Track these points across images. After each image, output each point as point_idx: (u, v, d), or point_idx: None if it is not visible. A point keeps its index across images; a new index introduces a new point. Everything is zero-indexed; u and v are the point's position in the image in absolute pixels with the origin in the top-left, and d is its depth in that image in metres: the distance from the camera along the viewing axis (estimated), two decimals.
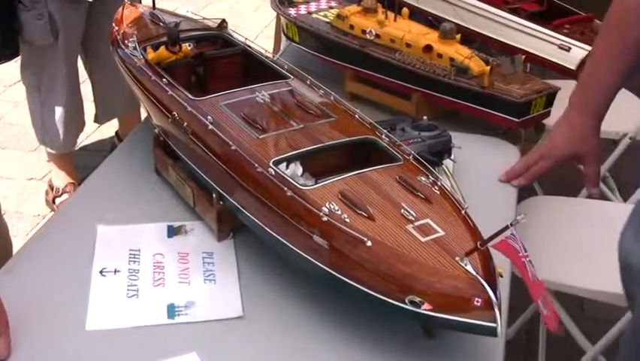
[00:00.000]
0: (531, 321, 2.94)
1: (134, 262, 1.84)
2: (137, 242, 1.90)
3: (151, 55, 2.15)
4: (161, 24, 2.35)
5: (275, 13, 2.98)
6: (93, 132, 4.60)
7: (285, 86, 2.03)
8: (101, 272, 1.80)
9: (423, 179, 1.69)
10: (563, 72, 2.64)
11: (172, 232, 1.94)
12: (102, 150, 4.40)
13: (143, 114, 2.97)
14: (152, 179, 2.14)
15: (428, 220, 1.56)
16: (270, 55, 2.25)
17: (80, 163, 4.09)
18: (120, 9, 2.43)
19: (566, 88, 2.30)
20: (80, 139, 4.21)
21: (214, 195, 1.86)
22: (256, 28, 5.85)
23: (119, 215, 2.00)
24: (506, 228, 1.40)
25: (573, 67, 2.58)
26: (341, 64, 2.63)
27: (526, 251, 1.42)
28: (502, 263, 1.51)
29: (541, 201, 2.87)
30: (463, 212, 1.61)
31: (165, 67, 2.14)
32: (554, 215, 2.64)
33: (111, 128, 4.46)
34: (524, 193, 2.61)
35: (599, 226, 2.59)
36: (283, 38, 3.17)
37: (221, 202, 1.85)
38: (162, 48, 2.18)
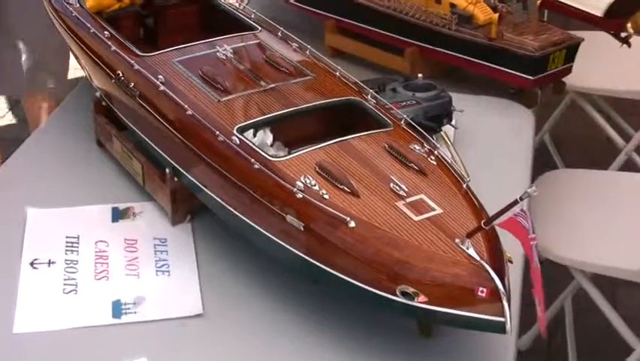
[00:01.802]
0: (555, 321, 2.95)
1: (72, 251, 1.85)
2: (75, 228, 1.91)
3: (90, 2, 2.16)
4: None
5: None
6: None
7: (251, 38, 2.04)
8: (31, 264, 1.81)
9: (417, 148, 1.71)
10: (588, 20, 2.65)
11: (117, 215, 1.95)
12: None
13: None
14: (92, 152, 2.15)
15: (422, 196, 1.58)
16: (234, 3, 2.26)
17: (7, 135, 4.09)
18: None
19: (591, 39, 2.31)
20: (8, 107, 4.21)
21: (167, 171, 1.87)
22: None
23: (53, 196, 2.00)
24: (515, 203, 1.42)
25: (600, 14, 2.59)
26: (320, 12, 2.63)
27: (534, 233, 1.44)
28: (511, 247, 1.54)
29: (562, 174, 2.89)
30: (464, 186, 1.63)
31: (108, 17, 2.14)
32: (579, 189, 2.65)
33: None
34: (543, 167, 2.63)
35: (632, 200, 2.64)
36: None
37: (175, 178, 1.86)
38: None
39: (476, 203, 1.60)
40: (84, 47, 2.07)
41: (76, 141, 2.19)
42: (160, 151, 1.86)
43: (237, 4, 2.24)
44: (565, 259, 2.39)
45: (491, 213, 1.52)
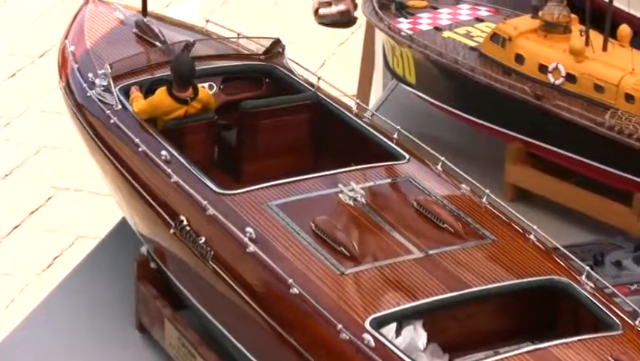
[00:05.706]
0: None
1: None
2: None
3: (139, 103, 2.19)
4: (158, 43, 2.40)
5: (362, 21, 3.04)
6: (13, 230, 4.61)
7: (393, 174, 2.06)
8: None
9: None
10: None
11: None
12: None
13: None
14: (130, 340, 2.20)
15: None
16: (364, 111, 2.29)
17: None
18: (79, 9, 2.49)
19: None
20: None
21: None
22: (320, 48, 5.86)
23: None
24: None
25: None
26: (499, 130, 2.66)
27: None
28: None
29: None
30: None
31: (166, 129, 2.19)
32: None
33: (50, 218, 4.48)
34: None
35: None
36: (378, 69, 3.22)
37: None
38: (162, 91, 2.23)
39: None
40: (126, 174, 2.09)
41: (104, 319, 2.25)
42: (242, 348, 1.88)
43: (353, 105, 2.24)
44: None
45: None
